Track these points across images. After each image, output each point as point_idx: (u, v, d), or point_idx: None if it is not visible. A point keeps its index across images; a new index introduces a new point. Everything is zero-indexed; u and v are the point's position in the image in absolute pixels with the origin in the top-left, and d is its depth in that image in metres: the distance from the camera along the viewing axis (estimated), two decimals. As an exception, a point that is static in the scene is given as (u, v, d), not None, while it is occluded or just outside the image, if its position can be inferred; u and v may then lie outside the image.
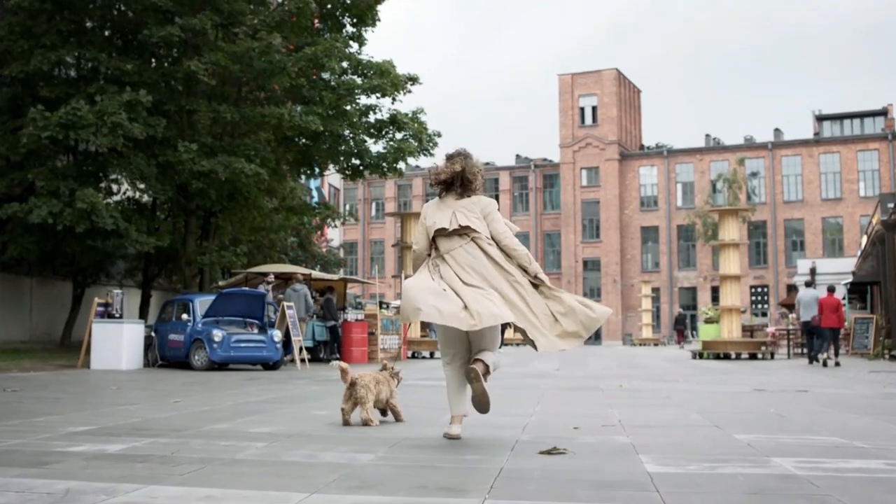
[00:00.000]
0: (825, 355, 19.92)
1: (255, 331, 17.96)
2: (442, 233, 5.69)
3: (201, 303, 18.26)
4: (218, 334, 17.10)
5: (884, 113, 70.28)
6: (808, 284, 22.01)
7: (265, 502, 3.61)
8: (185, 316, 18.13)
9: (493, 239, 5.70)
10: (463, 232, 5.65)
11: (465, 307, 5.32)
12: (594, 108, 75.02)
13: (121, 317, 18.42)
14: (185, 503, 3.59)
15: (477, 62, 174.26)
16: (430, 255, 5.79)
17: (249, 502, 3.61)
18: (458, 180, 5.83)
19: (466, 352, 5.79)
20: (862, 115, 71.40)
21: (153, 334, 18.97)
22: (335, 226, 34.52)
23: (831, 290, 20.87)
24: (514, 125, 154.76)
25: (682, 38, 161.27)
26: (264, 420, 7.10)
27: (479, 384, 5.48)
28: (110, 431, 6.15)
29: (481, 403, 5.58)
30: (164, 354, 18.54)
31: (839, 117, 71.93)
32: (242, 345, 17.40)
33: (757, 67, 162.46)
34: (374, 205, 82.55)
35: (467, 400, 5.73)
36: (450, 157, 5.95)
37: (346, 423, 6.59)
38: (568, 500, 3.73)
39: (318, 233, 36.98)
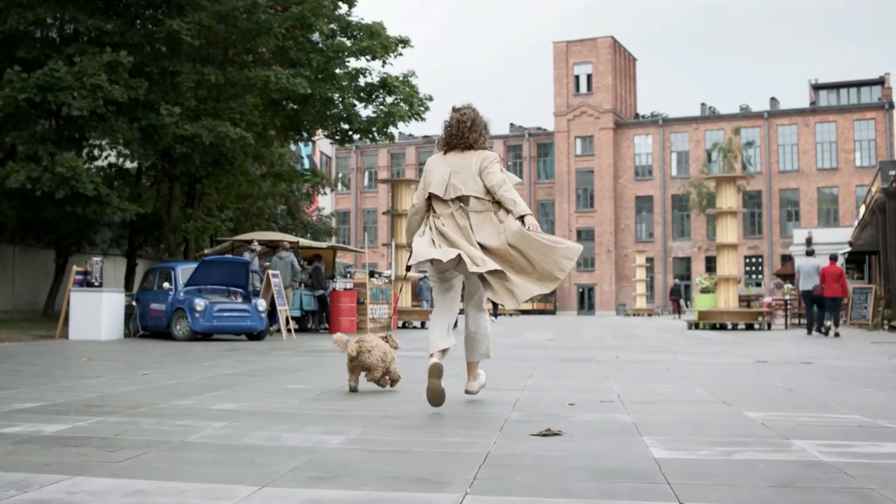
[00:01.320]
0: (828, 324, 19.40)
1: (239, 300, 17.39)
2: (436, 196, 5.74)
3: (183, 271, 17.67)
4: (200, 303, 16.52)
5: (881, 82, 69.57)
6: (810, 254, 21.42)
7: (204, 498, 3.04)
8: (166, 284, 17.54)
9: (490, 191, 5.68)
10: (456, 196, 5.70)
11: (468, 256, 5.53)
12: (589, 77, 74.21)
13: (100, 285, 17.81)
14: (108, 500, 3.01)
15: (471, 29, 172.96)
16: (427, 210, 5.88)
17: (186, 499, 3.04)
18: (459, 134, 5.86)
19: (459, 300, 5.96)
20: (859, 85, 70.65)
21: (134, 303, 18.39)
22: (325, 193, 33.87)
23: (833, 258, 20.35)
24: (508, 93, 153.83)
25: (678, 6, 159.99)
26: (233, 395, 6.52)
27: (436, 381, 5.52)
28: (58, 409, 5.56)
29: (434, 398, 5.58)
30: (146, 324, 17.97)
31: (836, 86, 71.20)
32: (226, 314, 16.82)
33: (753, 36, 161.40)
34: (366, 173, 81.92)
35: (449, 337, 5.71)
36: (457, 109, 5.98)
37: (354, 390, 6.57)
38: (563, 495, 3.17)
39: (309, 201, 36.30)
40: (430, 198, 5.81)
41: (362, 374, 6.59)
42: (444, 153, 5.92)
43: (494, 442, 4.34)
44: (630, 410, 5.70)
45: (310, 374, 8.62)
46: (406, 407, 5.77)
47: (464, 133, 5.84)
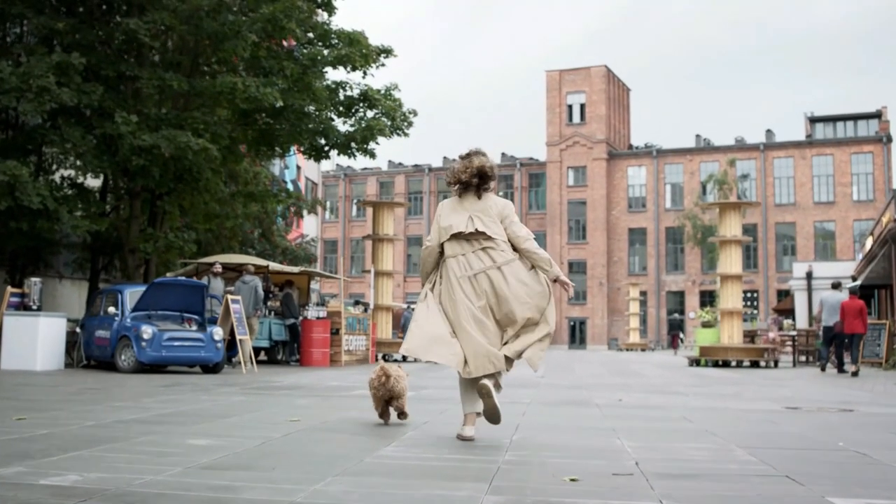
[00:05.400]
0: (854, 367, 17.42)
1: (193, 327, 15.50)
2: (455, 237, 5.68)
3: (132, 294, 15.78)
4: (147, 331, 14.65)
5: (878, 115, 68.35)
6: (836, 286, 19.41)
7: None
8: (112, 309, 15.67)
9: (510, 241, 5.70)
10: (474, 238, 5.65)
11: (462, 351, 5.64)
12: (582, 106, 72.86)
13: (38, 309, 15.97)
14: None
15: (463, 58, 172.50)
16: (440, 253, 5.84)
17: None
18: (476, 178, 5.78)
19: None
20: (855, 118, 69.41)
21: (78, 330, 16.52)
22: (302, 215, 32.06)
23: (853, 292, 18.53)
24: (499, 122, 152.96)
25: (673, 36, 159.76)
26: (95, 458, 4.64)
27: (490, 400, 5.64)
28: None
29: (493, 417, 5.75)
30: (91, 353, 16.12)
31: (832, 119, 69.97)
32: (176, 343, 14.93)
33: (749, 68, 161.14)
34: (354, 202, 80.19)
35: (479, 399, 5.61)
36: (466, 156, 5.88)
37: (386, 421, 6.52)
38: None
39: (286, 224, 34.44)
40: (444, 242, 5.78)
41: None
42: (459, 196, 5.84)
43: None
44: (660, 493, 3.88)
45: (234, 423, 6.76)
46: (332, 484, 3.92)
47: (487, 177, 5.80)
